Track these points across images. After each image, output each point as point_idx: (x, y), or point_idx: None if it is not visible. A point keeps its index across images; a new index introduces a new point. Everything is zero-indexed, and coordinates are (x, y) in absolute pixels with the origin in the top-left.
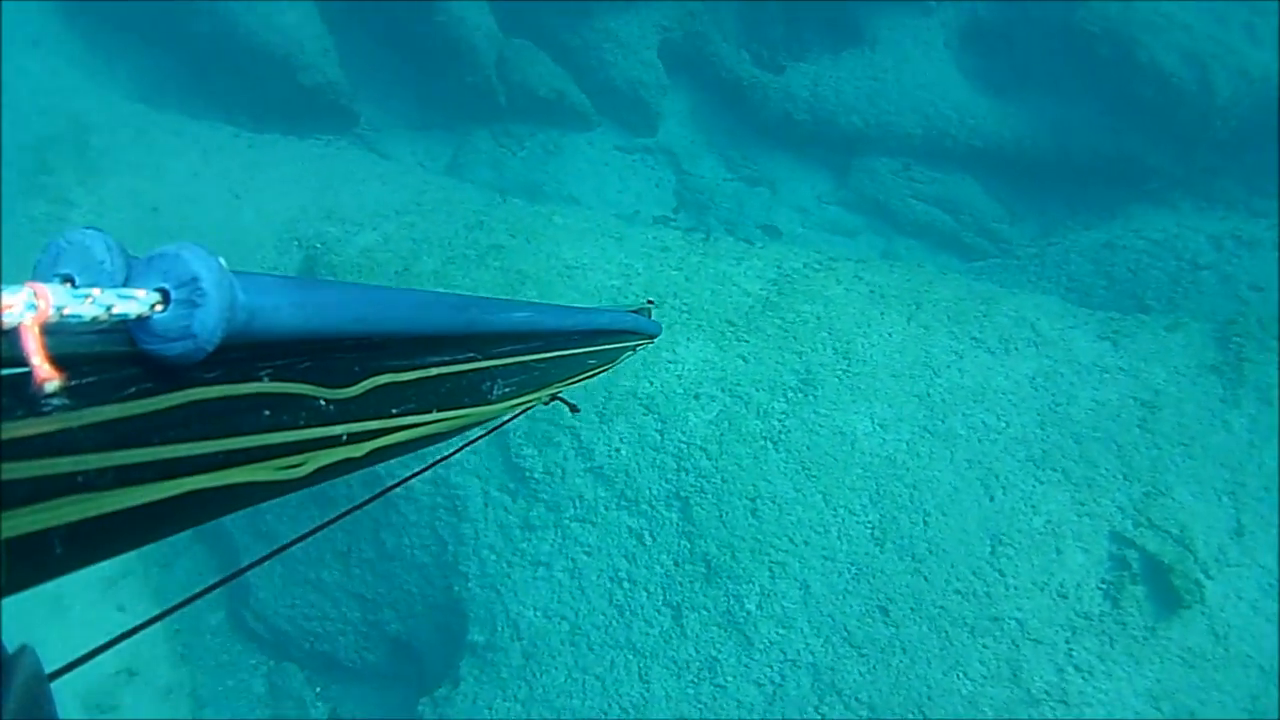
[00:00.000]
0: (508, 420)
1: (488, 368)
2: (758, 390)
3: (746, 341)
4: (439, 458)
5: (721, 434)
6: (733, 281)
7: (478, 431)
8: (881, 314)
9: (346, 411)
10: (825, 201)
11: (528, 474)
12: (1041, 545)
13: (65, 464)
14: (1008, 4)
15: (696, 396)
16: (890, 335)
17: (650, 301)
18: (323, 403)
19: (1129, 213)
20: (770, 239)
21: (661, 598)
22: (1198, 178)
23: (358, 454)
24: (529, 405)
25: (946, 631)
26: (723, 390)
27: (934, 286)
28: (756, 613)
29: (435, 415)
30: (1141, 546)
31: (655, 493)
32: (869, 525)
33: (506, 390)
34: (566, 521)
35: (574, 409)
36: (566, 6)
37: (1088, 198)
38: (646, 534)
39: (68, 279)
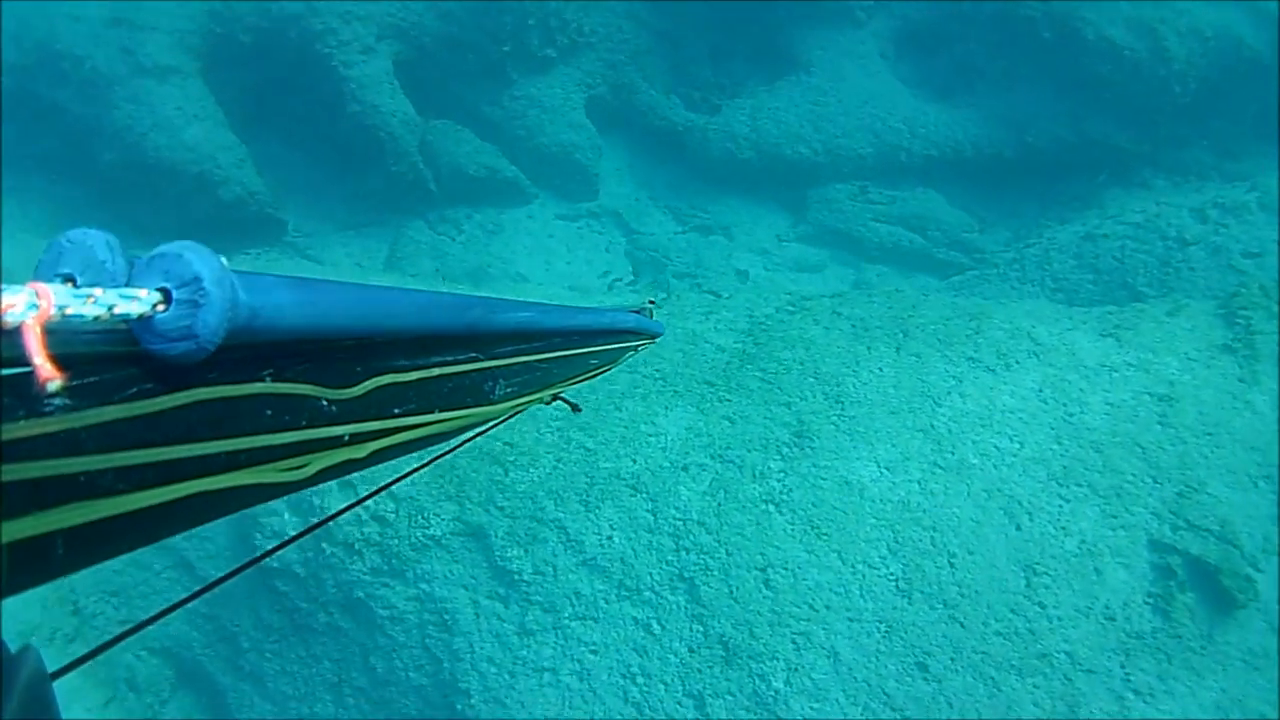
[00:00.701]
0: (504, 419)
1: (490, 368)
2: (750, 451)
3: (729, 401)
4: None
5: (719, 504)
6: (704, 339)
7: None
8: (868, 349)
9: (349, 412)
10: (785, 240)
11: (516, 577)
12: (1079, 568)
13: (67, 465)
14: (940, 3)
15: (685, 468)
16: (881, 370)
17: (652, 301)
18: (325, 403)
19: (1103, 200)
20: (735, 288)
21: (681, 688)
22: (1165, 151)
23: (360, 455)
24: (530, 405)
25: (993, 678)
26: (712, 457)
27: (917, 311)
28: (785, 690)
29: (437, 415)
30: (1184, 551)
31: (657, 577)
32: (892, 577)
33: (509, 390)
34: (566, 621)
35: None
36: (483, 78)
37: (1058, 191)
38: (654, 623)
39: (69, 279)
